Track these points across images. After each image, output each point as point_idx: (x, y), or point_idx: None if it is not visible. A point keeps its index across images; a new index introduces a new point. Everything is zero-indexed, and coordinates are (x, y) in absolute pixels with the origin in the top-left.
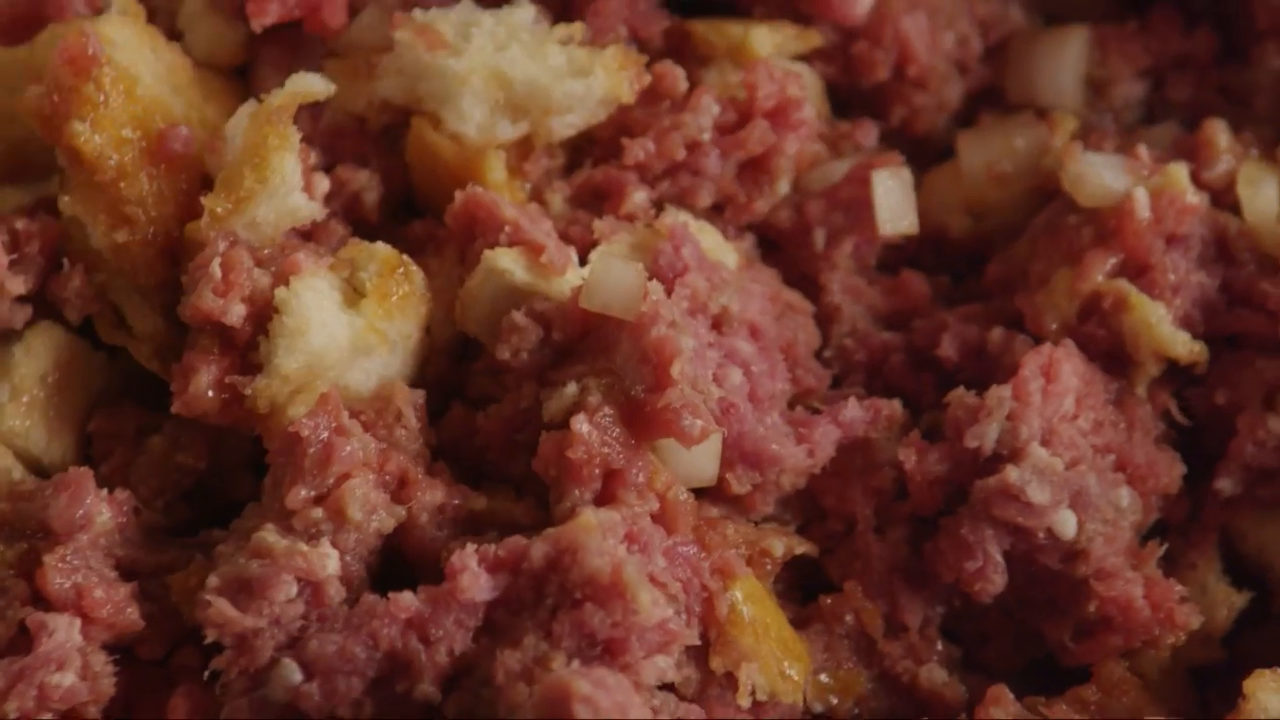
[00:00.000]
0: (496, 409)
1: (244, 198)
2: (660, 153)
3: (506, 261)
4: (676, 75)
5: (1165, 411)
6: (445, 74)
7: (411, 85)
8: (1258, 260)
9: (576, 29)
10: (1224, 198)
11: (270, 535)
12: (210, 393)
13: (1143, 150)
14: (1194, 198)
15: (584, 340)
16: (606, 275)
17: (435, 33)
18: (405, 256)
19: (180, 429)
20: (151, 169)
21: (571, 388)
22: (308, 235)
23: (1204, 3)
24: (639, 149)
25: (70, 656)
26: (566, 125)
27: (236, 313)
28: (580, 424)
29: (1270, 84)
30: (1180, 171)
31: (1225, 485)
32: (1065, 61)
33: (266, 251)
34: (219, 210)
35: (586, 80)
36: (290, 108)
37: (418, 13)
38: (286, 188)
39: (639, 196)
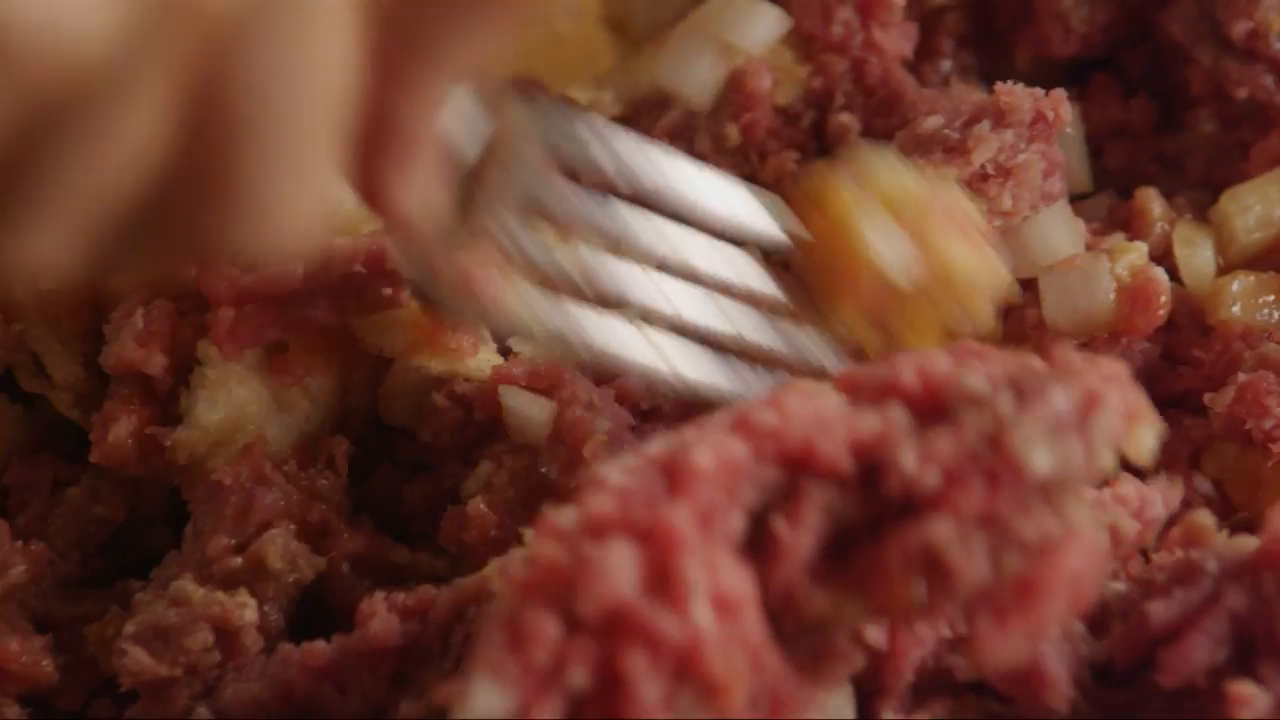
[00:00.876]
0: (421, 485)
1: None
2: None
3: (421, 356)
4: None
5: None
6: None
7: None
8: (1196, 325)
9: None
10: (1161, 263)
11: (189, 584)
12: (130, 442)
13: (1080, 225)
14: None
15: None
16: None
17: None
18: None
19: (98, 481)
20: None
21: (485, 467)
22: None
23: (1140, 72)
24: None
25: None
26: None
27: (158, 363)
28: (477, 505)
29: (1202, 149)
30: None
31: None
32: None
33: (191, 303)
34: None
35: None
36: None
37: None
38: None
39: None
